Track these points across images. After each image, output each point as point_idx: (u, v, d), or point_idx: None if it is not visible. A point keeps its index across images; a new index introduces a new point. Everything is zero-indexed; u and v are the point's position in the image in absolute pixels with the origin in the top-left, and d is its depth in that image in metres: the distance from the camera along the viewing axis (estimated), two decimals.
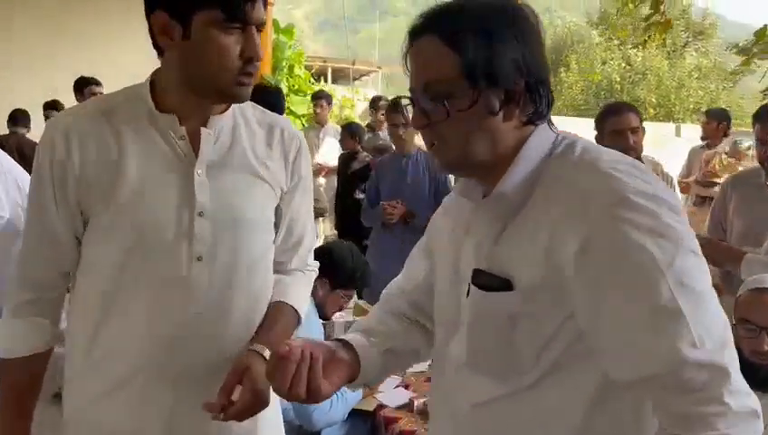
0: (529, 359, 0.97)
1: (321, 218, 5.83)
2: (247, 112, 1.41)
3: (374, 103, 6.10)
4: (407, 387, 2.70)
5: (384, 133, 5.89)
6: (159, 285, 1.28)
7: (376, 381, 1.21)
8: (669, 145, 12.02)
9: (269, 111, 1.48)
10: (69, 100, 5.11)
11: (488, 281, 1.00)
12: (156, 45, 1.28)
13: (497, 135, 1.00)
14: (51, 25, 6.95)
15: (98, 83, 5.02)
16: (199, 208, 1.28)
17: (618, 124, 3.00)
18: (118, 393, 1.30)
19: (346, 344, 1.16)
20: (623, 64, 20.58)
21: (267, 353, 1.29)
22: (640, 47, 19.18)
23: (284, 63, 9.08)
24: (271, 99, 3.03)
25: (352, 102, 10.92)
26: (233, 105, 1.36)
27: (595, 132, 3.15)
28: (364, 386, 1.21)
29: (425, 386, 2.74)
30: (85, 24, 7.12)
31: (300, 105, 8.94)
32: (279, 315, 1.43)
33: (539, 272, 0.94)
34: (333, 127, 6.41)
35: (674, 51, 21.07)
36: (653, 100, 19.74)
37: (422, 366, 2.81)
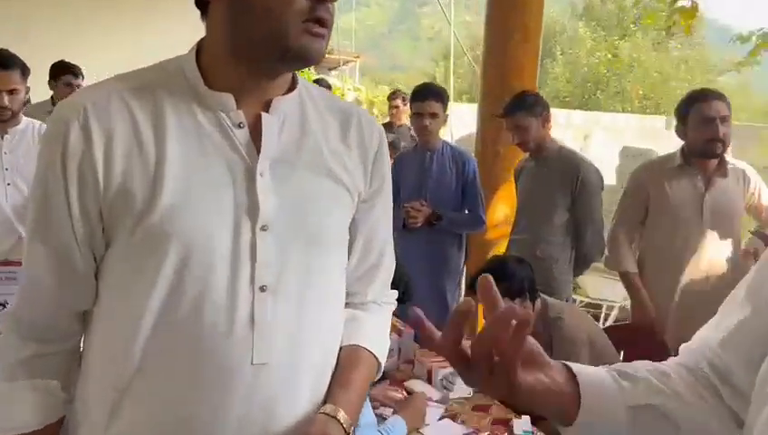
0: None
1: None
2: (314, 93, 1.09)
3: (392, 96, 5.68)
4: (453, 418, 2.36)
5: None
6: (211, 330, 0.94)
7: None
8: (661, 139, 11.90)
9: (334, 95, 1.17)
10: None
11: None
12: (199, 2, 1.00)
13: None
14: None
15: (77, 74, 4.37)
16: (263, 221, 0.97)
17: (705, 112, 2.67)
18: None
19: (570, 374, 0.77)
20: (609, 56, 20.46)
21: (343, 417, 1.02)
22: (627, 38, 19.18)
23: None
24: None
25: (342, 91, 10.56)
26: (299, 83, 1.06)
27: (675, 121, 2.83)
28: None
29: (475, 417, 2.40)
30: None
31: None
32: (356, 365, 1.11)
33: None
34: None
35: (659, 43, 21.03)
36: (639, 92, 19.69)
37: (464, 392, 2.50)
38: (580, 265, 3.20)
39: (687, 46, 21.36)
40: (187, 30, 1.10)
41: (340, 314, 1.13)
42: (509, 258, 2.76)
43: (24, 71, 2.96)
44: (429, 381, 2.59)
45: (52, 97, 4.36)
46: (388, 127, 5.52)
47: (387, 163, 1.15)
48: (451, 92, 10.12)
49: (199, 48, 1.01)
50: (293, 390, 1.01)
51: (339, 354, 1.11)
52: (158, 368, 0.95)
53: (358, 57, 18.10)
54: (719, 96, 2.73)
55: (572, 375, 0.76)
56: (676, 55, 21.34)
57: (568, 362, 0.78)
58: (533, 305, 2.64)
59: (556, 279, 3.13)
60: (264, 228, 0.97)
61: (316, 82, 6.11)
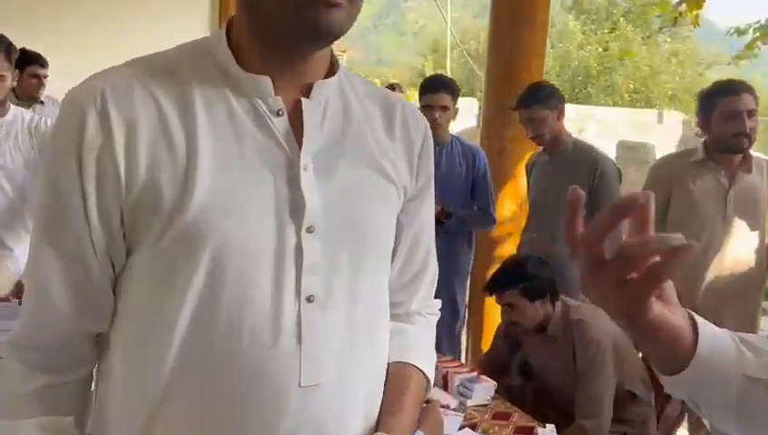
0: None
1: None
2: (353, 79, 0.98)
3: (390, 89, 5.58)
4: (474, 427, 2.25)
5: None
6: (251, 336, 0.82)
7: (710, 402, 0.71)
8: (653, 132, 11.91)
9: (372, 82, 1.06)
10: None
11: None
12: None
13: None
14: None
15: (43, 65, 4.15)
16: (309, 222, 0.85)
17: (732, 105, 2.56)
18: None
19: (692, 321, 0.69)
20: (599, 49, 20.45)
21: None
22: (616, 32, 19.12)
23: None
24: None
25: None
26: (338, 66, 0.94)
27: (697, 116, 2.72)
28: (687, 403, 0.72)
29: (496, 426, 2.29)
30: None
31: None
32: (407, 386, 1.00)
33: None
34: None
35: (648, 36, 21.06)
36: (630, 85, 19.72)
37: (483, 398, 2.40)
38: None
39: (677, 40, 21.43)
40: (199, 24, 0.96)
41: (388, 325, 1.01)
42: (529, 258, 2.66)
43: (10, 52, 2.54)
44: (445, 387, 2.48)
45: (14, 89, 4.16)
46: None
47: (432, 158, 1.04)
48: None
49: (228, 27, 0.89)
50: (345, 412, 0.89)
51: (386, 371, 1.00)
52: (192, 390, 0.83)
53: (345, 51, 18.01)
54: (747, 88, 2.62)
55: (694, 324, 0.69)
56: (667, 49, 21.37)
57: (697, 317, 0.70)
58: (554, 308, 2.54)
59: (572, 280, 3.03)
60: (309, 230, 0.85)
61: None
